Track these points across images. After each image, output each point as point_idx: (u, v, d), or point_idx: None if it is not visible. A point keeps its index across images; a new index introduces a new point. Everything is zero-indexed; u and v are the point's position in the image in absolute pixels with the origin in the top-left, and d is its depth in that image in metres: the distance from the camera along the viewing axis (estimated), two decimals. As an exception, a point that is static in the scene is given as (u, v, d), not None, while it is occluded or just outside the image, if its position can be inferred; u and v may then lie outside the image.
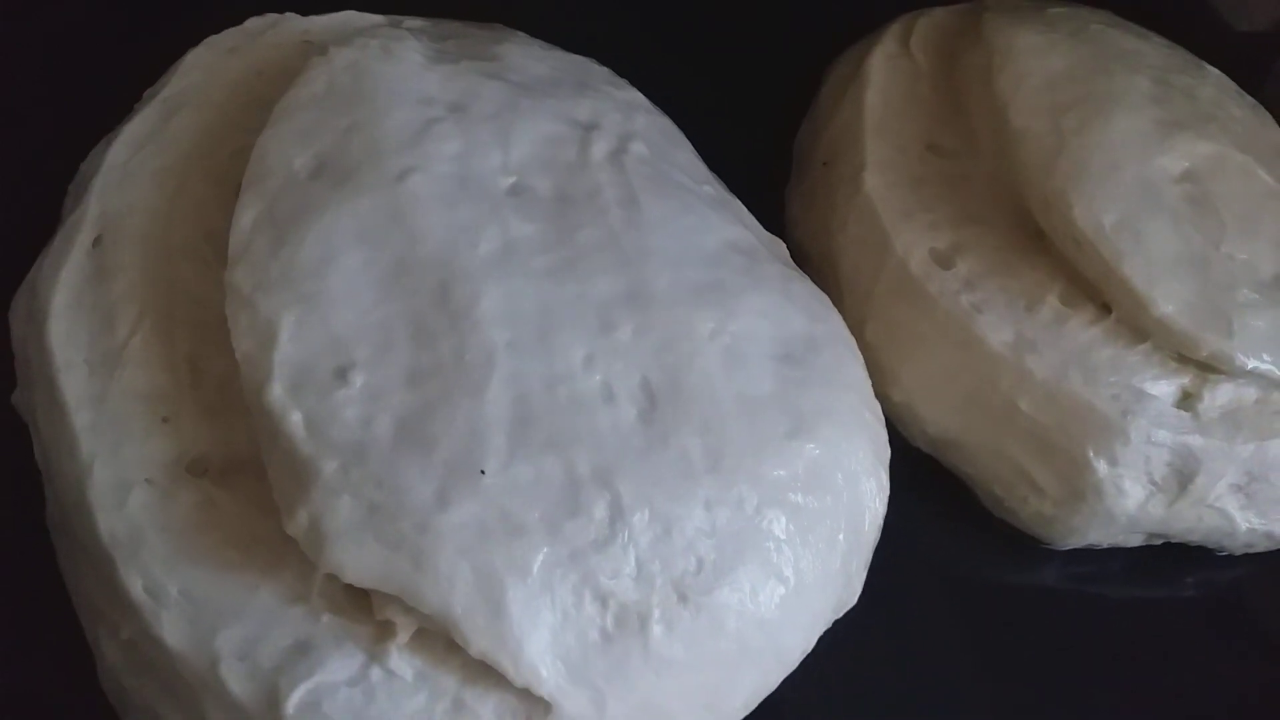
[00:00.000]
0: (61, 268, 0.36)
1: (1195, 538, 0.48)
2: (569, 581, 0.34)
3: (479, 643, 0.33)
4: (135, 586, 0.33)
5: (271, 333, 0.34)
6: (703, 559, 0.36)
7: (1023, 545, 0.49)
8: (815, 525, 0.39)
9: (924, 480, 0.49)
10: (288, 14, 0.42)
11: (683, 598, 0.36)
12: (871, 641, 0.45)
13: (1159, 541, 0.49)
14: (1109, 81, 0.49)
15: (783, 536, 0.38)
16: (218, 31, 0.42)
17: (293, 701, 0.32)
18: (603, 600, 0.35)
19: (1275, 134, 0.51)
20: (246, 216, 0.36)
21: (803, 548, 0.38)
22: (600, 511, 0.35)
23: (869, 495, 0.41)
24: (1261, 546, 0.49)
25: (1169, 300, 0.45)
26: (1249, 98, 0.53)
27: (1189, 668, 0.47)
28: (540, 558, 0.34)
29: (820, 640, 0.43)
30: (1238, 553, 0.49)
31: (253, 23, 0.42)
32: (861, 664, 0.45)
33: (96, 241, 0.37)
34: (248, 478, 0.35)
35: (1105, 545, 0.48)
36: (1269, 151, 0.50)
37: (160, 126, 0.39)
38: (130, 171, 0.38)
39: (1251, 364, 0.45)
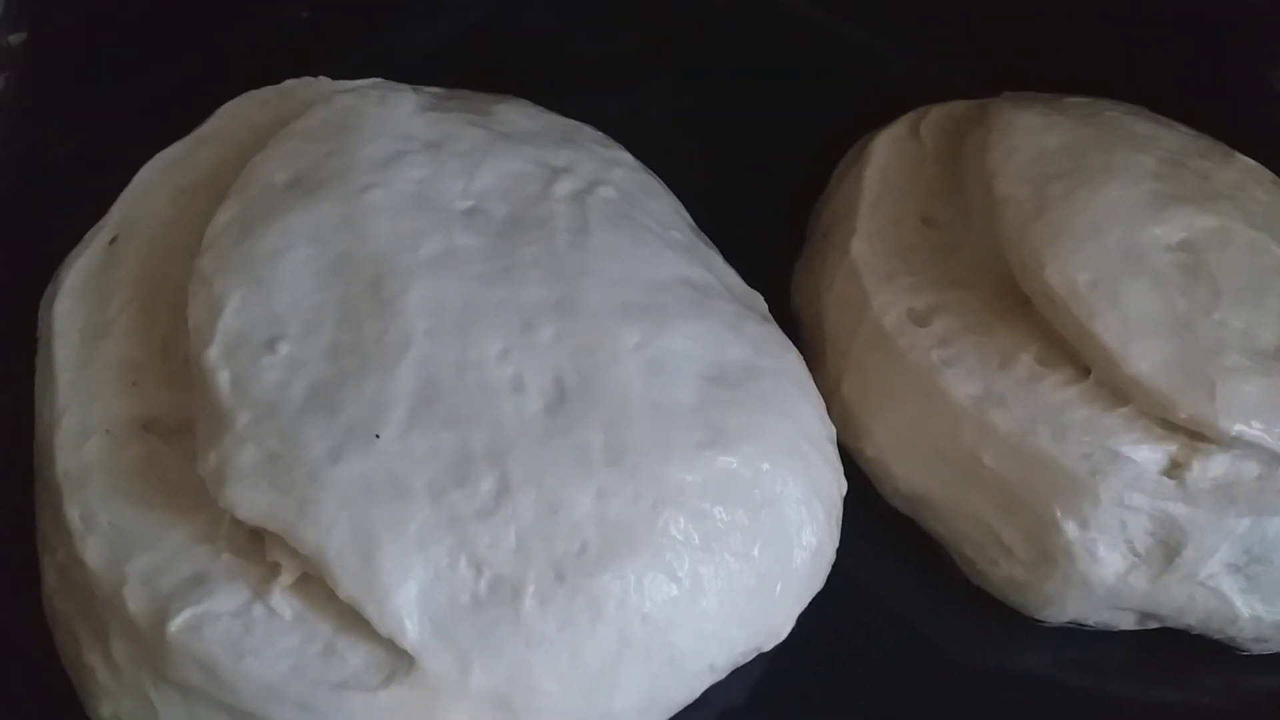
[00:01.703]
0: (79, 259, 0.43)
1: (1192, 621, 0.45)
2: (444, 545, 0.36)
3: (347, 587, 0.35)
4: (73, 515, 0.37)
5: (219, 306, 0.39)
6: (586, 543, 0.37)
7: (1009, 622, 0.46)
8: (722, 536, 0.39)
9: (904, 547, 0.48)
10: (321, 77, 0.49)
11: (560, 576, 0.37)
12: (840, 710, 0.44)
13: (1154, 625, 0.46)
14: (1107, 157, 0.49)
15: (679, 538, 0.38)
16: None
17: (176, 622, 0.35)
18: (477, 567, 0.36)
19: None
20: (223, 216, 0.41)
21: (704, 553, 0.39)
22: (487, 486, 0.37)
23: (795, 524, 0.41)
24: (1278, 642, 0.45)
25: (1144, 358, 0.44)
26: (1287, 185, 0.52)
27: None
28: (419, 519, 0.36)
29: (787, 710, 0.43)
30: (1255, 650, 0.46)
31: (289, 83, 0.48)
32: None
33: (113, 240, 0.43)
34: (191, 437, 0.39)
35: (1094, 623, 0.46)
36: None
37: (186, 156, 0.45)
38: (153, 188, 0.44)
39: (1236, 429, 0.43)
